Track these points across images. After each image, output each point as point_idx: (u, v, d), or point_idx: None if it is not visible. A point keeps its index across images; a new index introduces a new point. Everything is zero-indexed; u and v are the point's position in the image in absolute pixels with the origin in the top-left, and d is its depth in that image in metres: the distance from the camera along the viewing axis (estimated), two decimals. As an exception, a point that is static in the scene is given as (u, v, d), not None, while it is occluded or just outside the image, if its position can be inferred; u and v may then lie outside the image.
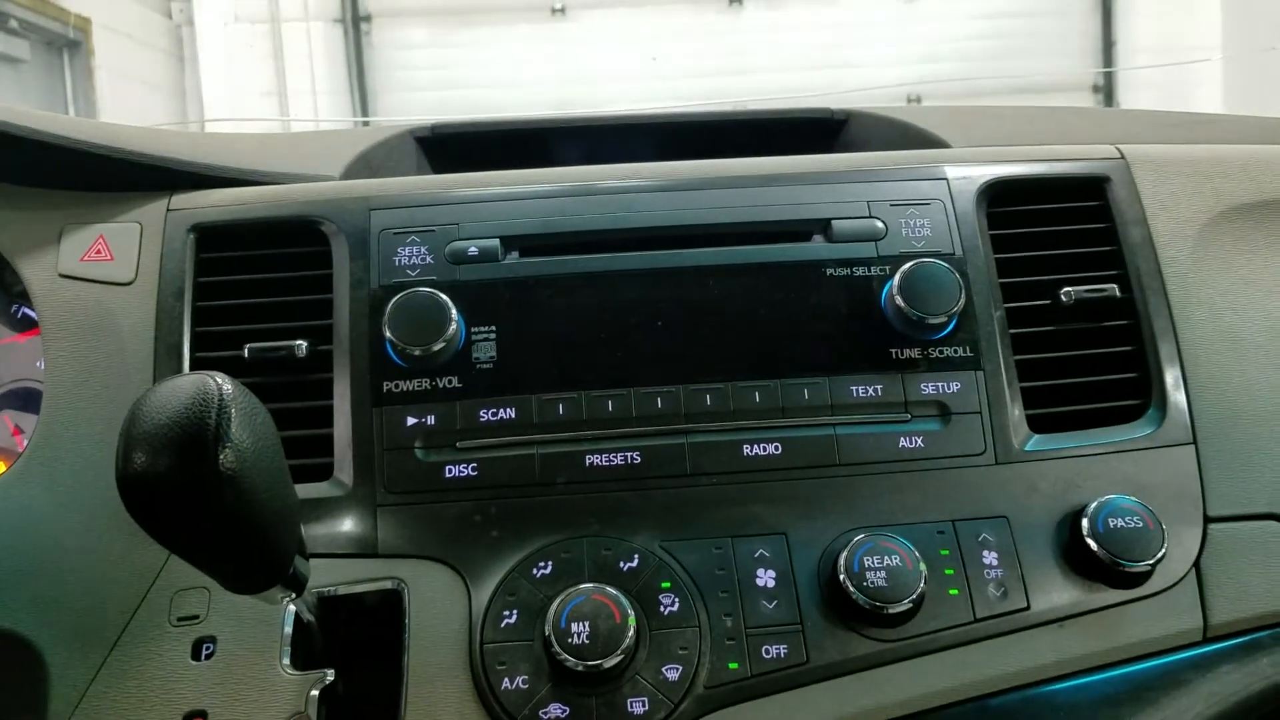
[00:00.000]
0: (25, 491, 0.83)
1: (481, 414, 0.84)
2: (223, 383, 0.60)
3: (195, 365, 0.86)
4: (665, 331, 0.86)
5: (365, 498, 0.82)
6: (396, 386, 0.85)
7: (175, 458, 0.57)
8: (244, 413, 0.60)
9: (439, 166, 1.25)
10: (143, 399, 0.59)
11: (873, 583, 0.76)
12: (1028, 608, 0.79)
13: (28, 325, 0.99)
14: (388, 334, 0.83)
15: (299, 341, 0.86)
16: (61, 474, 0.83)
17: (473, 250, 0.88)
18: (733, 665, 0.76)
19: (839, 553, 0.78)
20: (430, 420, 0.84)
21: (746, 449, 0.84)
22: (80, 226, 0.91)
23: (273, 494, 0.62)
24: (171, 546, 0.63)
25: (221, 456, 0.58)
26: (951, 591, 0.79)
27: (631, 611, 0.74)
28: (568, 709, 0.73)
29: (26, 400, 0.96)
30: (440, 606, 0.78)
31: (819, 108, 1.25)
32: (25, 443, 0.93)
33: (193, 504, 0.58)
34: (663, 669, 0.75)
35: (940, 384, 0.86)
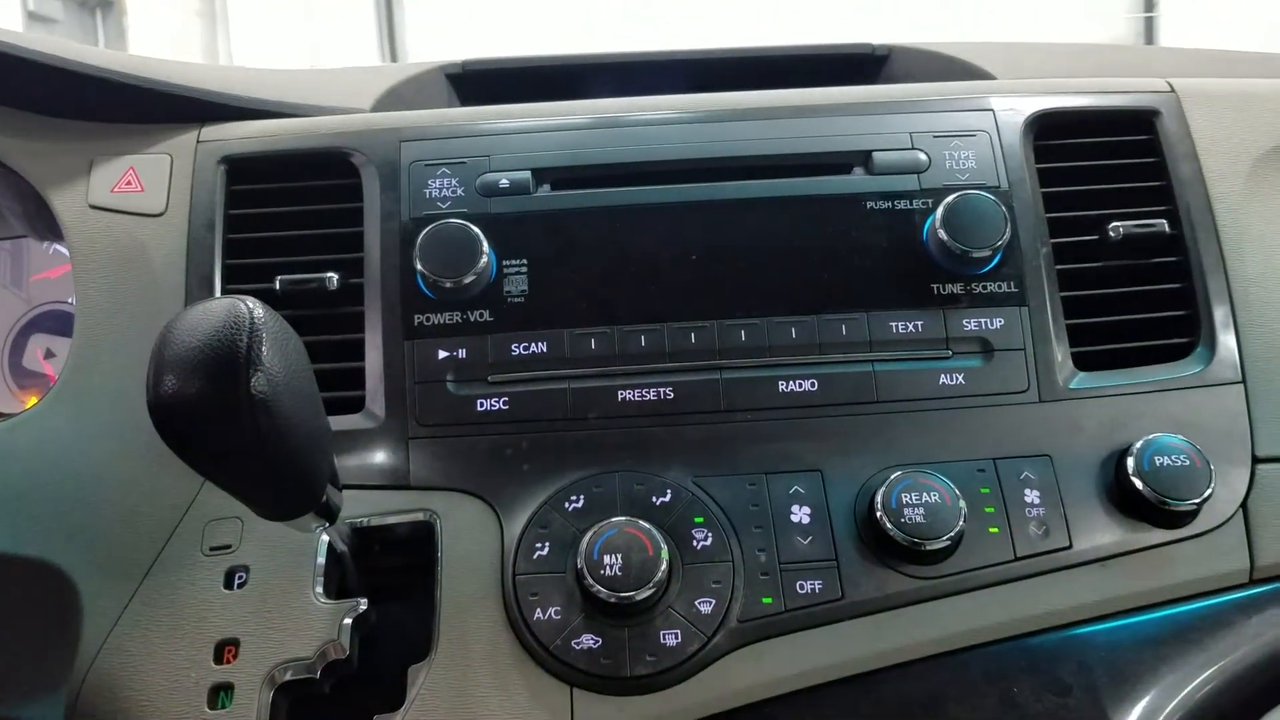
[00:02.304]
0: (58, 422, 0.83)
1: (513, 348, 0.83)
2: (254, 306, 0.59)
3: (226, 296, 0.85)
4: (699, 266, 0.85)
5: (397, 430, 0.82)
6: (428, 319, 0.84)
7: (206, 381, 0.56)
8: (275, 337, 0.59)
9: (470, 104, 1.23)
10: (173, 322, 0.59)
11: (910, 519, 0.75)
12: (1070, 547, 0.78)
13: (60, 261, 0.98)
14: (419, 266, 0.82)
15: (330, 274, 0.86)
16: (94, 405, 0.83)
17: (504, 183, 0.87)
18: (766, 600, 0.75)
19: (876, 489, 0.77)
20: (461, 353, 0.83)
21: (782, 385, 0.83)
22: (111, 158, 0.90)
23: (304, 420, 0.61)
24: (202, 471, 0.63)
25: (253, 380, 0.57)
26: (991, 530, 0.78)
27: (664, 545, 0.73)
28: (600, 640, 0.72)
29: (58, 325, 0.96)
30: (472, 538, 0.78)
31: (859, 43, 1.22)
32: (55, 369, 0.94)
33: (223, 428, 0.57)
34: (695, 602, 0.74)
35: (983, 320, 0.84)
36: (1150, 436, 0.79)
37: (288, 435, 0.60)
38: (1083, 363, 0.85)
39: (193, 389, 0.56)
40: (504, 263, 0.84)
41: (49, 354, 0.96)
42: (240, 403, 0.57)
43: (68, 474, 0.81)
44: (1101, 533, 0.78)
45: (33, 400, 0.89)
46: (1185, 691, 0.75)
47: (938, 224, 0.83)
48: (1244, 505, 0.81)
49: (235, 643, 0.74)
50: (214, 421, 0.57)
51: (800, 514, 0.78)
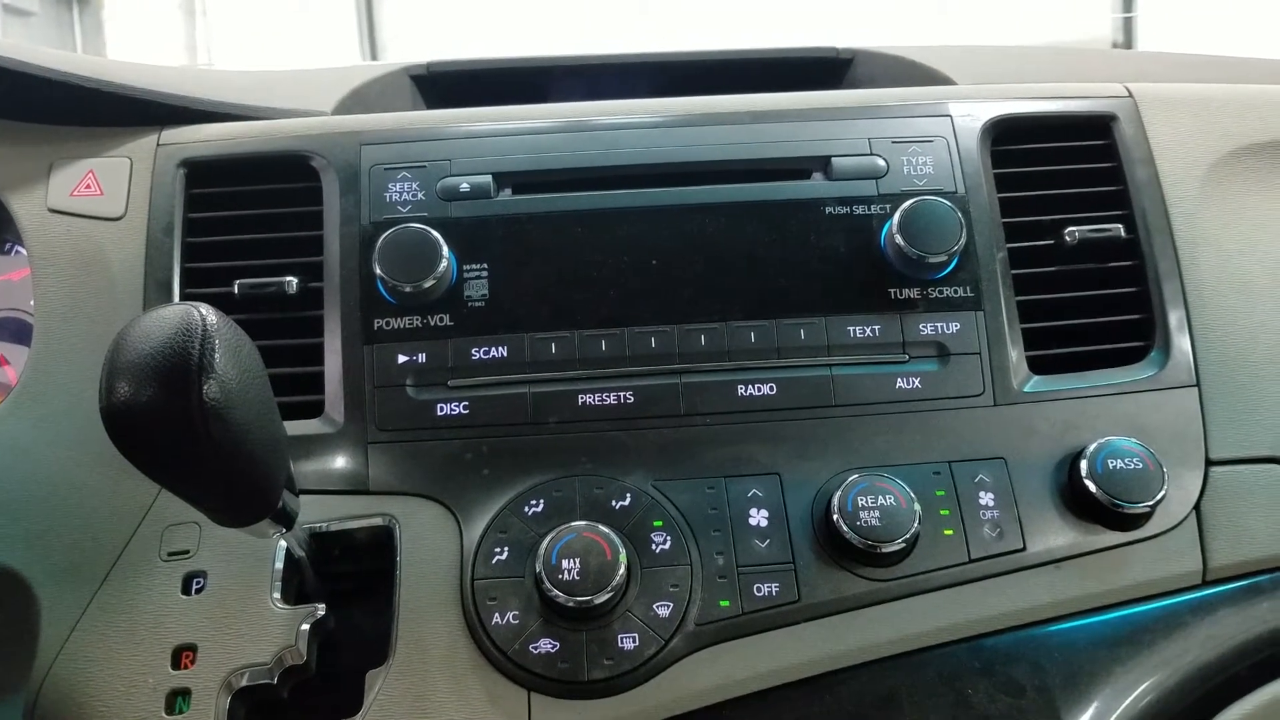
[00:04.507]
0: (16, 427, 0.82)
1: (473, 352, 0.83)
2: (207, 314, 0.59)
3: (185, 301, 0.85)
4: (660, 270, 0.85)
5: (356, 435, 0.82)
6: (387, 324, 0.84)
7: (158, 389, 0.56)
8: (228, 344, 0.59)
9: (435, 106, 1.23)
10: (127, 329, 0.59)
11: (866, 522, 0.76)
12: (1024, 549, 0.79)
13: (21, 264, 0.98)
14: (378, 271, 0.82)
15: (289, 278, 0.86)
16: (52, 409, 0.83)
17: (465, 187, 0.87)
18: (724, 603, 0.75)
19: (833, 492, 0.78)
20: (421, 358, 0.83)
21: (741, 389, 0.83)
22: (70, 161, 0.90)
23: (259, 427, 0.61)
24: (156, 478, 0.63)
25: (205, 388, 0.57)
26: (946, 532, 0.79)
27: (623, 549, 0.74)
28: (558, 644, 0.73)
29: (15, 332, 0.95)
30: (431, 543, 0.78)
31: (824, 46, 1.23)
32: (14, 375, 0.93)
33: (176, 436, 0.57)
34: (653, 606, 0.74)
35: (939, 324, 0.84)
36: (1104, 439, 0.80)
37: (241, 442, 0.60)
38: (1038, 366, 0.85)
39: (145, 396, 0.56)
40: (464, 267, 0.85)
41: (5, 360, 0.95)
42: (193, 410, 0.57)
43: (25, 478, 0.81)
44: (1055, 535, 0.79)
45: (-9, 405, 0.88)
46: (1137, 692, 0.76)
47: (895, 229, 0.83)
48: (1197, 508, 0.82)
49: (193, 648, 0.74)
50: (166, 429, 0.57)
51: (758, 517, 0.79)
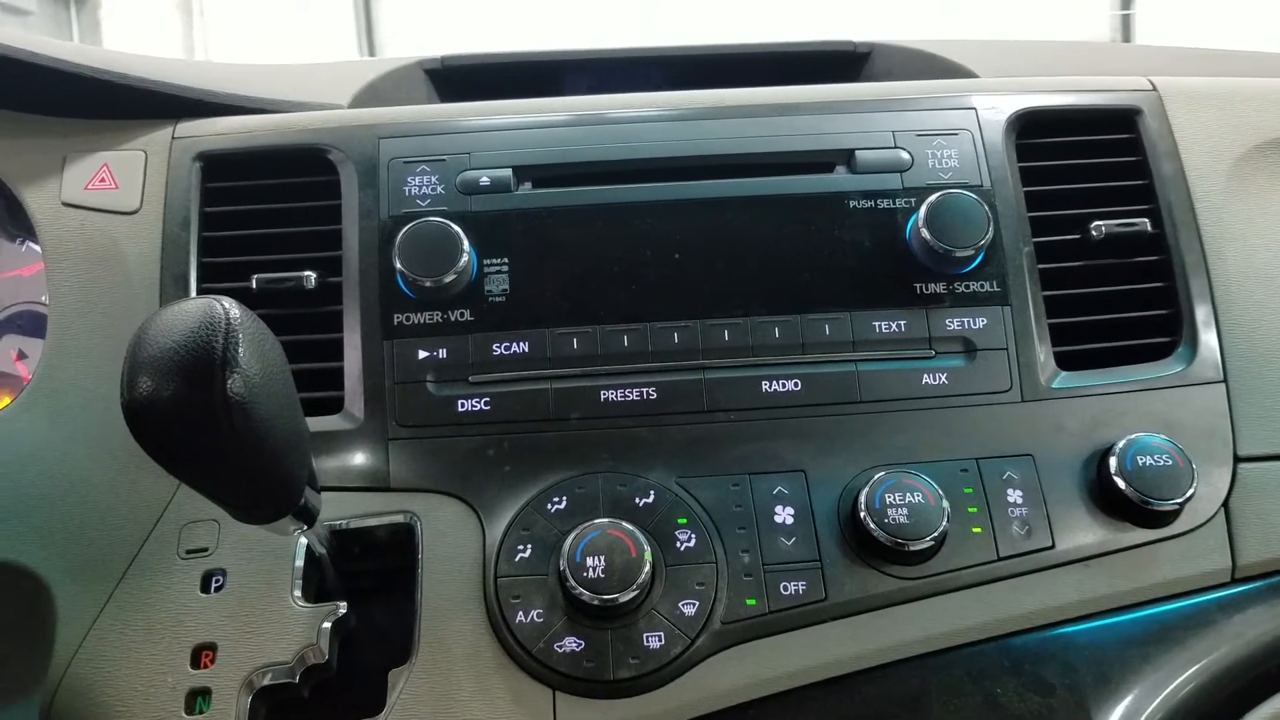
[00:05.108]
0: (30, 423, 0.81)
1: (494, 348, 0.82)
2: (230, 307, 0.58)
3: (202, 295, 0.84)
4: (682, 265, 0.84)
5: (376, 431, 0.81)
6: (407, 319, 0.83)
7: (181, 383, 0.55)
8: (252, 338, 0.58)
9: (449, 100, 1.21)
10: (148, 322, 0.58)
11: (894, 520, 0.75)
12: (1052, 546, 0.78)
13: (33, 259, 0.97)
14: (398, 265, 0.81)
15: (308, 273, 0.85)
16: (67, 405, 0.81)
17: (485, 180, 0.86)
18: (750, 601, 0.75)
19: (860, 489, 0.77)
20: (442, 354, 0.82)
21: (765, 385, 0.82)
22: (84, 154, 0.89)
23: (282, 423, 0.60)
24: (178, 474, 0.62)
25: (229, 383, 0.56)
26: (975, 529, 0.78)
27: (648, 546, 0.73)
28: (583, 642, 0.72)
29: (31, 326, 0.94)
30: (453, 540, 0.77)
31: (841, 40, 1.22)
32: (28, 370, 0.92)
33: (199, 431, 0.56)
34: (679, 604, 0.73)
35: (966, 319, 0.83)
36: (1132, 436, 0.79)
37: (265, 438, 0.59)
38: (1065, 362, 0.85)
39: (168, 391, 0.55)
40: (485, 261, 0.84)
41: (21, 355, 0.94)
42: (216, 405, 0.56)
43: (41, 475, 0.80)
44: (1084, 532, 0.78)
45: (5, 401, 0.87)
46: (1168, 690, 0.75)
47: (920, 223, 0.83)
48: (1225, 505, 0.81)
49: (213, 647, 0.73)
50: (190, 424, 0.56)
51: (784, 515, 0.78)
